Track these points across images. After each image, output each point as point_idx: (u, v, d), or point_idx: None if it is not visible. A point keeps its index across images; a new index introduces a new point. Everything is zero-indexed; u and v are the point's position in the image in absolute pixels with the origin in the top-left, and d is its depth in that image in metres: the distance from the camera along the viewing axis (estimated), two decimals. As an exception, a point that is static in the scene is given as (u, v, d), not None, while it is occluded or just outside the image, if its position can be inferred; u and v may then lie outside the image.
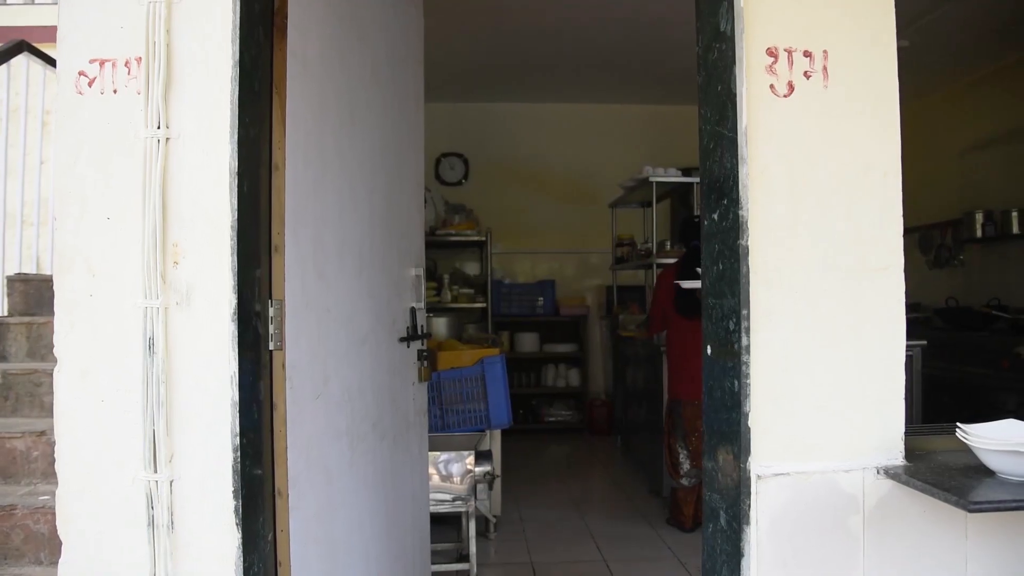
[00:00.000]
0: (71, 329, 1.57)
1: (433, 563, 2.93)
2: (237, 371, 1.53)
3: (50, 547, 2.31)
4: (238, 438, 1.53)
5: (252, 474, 1.58)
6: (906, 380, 4.05)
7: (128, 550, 1.55)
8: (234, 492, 1.53)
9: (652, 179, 4.64)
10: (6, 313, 3.26)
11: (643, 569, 3.39)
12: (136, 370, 1.54)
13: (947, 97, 6.21)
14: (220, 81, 1.55)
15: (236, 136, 1.53)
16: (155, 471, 1.54)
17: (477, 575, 3.18)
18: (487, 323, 5.78)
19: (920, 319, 5.84)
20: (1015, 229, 5.22)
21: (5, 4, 4.72)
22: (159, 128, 1.54)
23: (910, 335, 4.23)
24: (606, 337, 6.26)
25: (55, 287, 1.57)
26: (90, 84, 1.57)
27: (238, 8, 1.56)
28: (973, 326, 5.08)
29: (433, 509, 2.98)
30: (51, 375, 2.79)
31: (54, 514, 2.29)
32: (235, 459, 1.53)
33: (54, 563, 2.28)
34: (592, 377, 6.48)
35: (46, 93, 3.63)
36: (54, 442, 2.53)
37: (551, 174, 6.28)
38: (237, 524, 1.53)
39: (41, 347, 3.04)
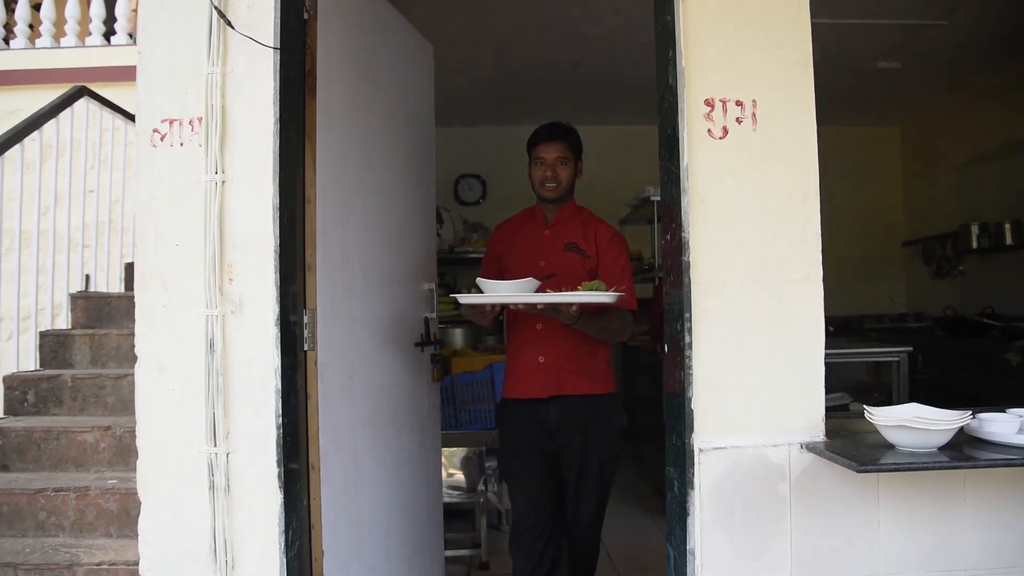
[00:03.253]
0: (149, 333, 1.99)
1: (447, 549, 3.32)
2: (280, 366, 1.95)
3: (118, 522, 2.74)
4: (280, 419, 1.95)
5: (292, 449, 1.99)
6: (894, 383, 4.33)
7: (193, 508, 1.96)
8: (278, 462, 1.94)
9: (652, 199, 5.02)
10: (70, 327, 3.72)
11: (637, 552, 3.75)
12: (199, 365, 1.96)
13: (944, 113, 6.52)
14: (264, 135, 1.98)
15: (278, 178, 1.96)
16: (215, 445, 1.95)
17: (486, 560, 3.56)
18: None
19: (922, 328, 6.14)
20: (1008, 240, 5.52)
21: (59, 47, 5.23)
22: (216, 173, 1.97)
23: (909, 343, 4.54)
24: (616, 347, 6.62)
25: (136, 300, 2.00)
26: (162, 139, 2.00)
27: (278, 76, 1.99)
28: (968, 334, 5.37)
29: (447, 500, 3.37)
30: (113, 379, 3.26)
31: (122, 494, 2.75)
32: (279, 436, 1.95)
33: (123, 535, 2.73)
34: (624, 384, 6.83)
35: (94, 129, 4.07)
36: (118, 435, 2.99)
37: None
38: (280, 488, 1.95)
39: (102, 355, 3.49)
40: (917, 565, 1.98)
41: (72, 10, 5.24)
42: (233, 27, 1.98)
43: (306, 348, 2.09)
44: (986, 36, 4.82)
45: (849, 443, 1.94)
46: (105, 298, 3.80)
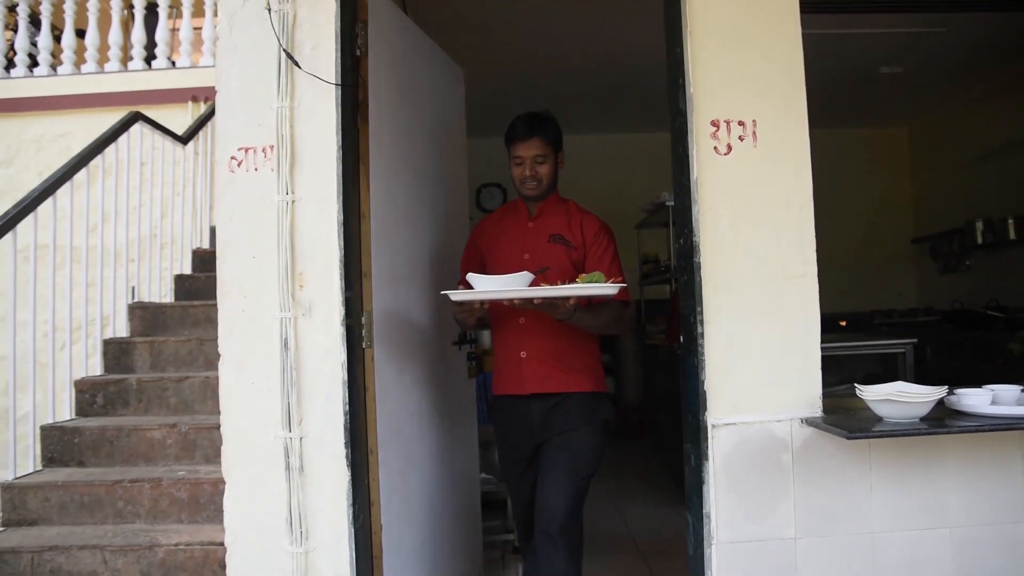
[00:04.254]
0: (230, 335, 2.32)
1: (484, 535, 3.63)
2: (345, 360, 2.27)
3: (189, 509, 3.08)
4: (347, 406, 2.27)
5: (355, 434, 2.31)
6: (901, 373, 4.62)
7: (272, 486, 2.28)
8: (345, 444, 2.26)
9: (668, 204, 5.33)
10: (129, 335, 4.07)
11: (659, 535, 4.06)
12: (275, 361, 2.29)
13: (949, 114, 6.80)
14: (328, 160, 2.31)
15: (341, 198, 2.29)
16: (290, 431, 2.28)
17: (519, 545, 3.87)
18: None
19: (930, 322, 6.41)
20: (1012, 235, 5.78)
21: (103, 72, 5.61)
22: (287, 194, 2.30)
23: (918, 336, 4.84)
24: (636, 347, 6.93)
25: (219, 306, 2.33)
26: (239, 165, 2.34)
27: (338, 108, 2.32)
28: (974, 327, 5.64)
29: (482, 489, 3.68)
30: (174, 382, 3.61)
31: (191, 484, 3.08)
32: (345, 421, 2.27)
33: (193, 521, 3.06)
34: (625, 384, 7.15)
35: (137, 149, 4.38)
36: (184, 431, 3.34)
37: (582, 199, 6.96)
38: (347, 467, 2.27)
39: (162, 360, 3.84)
40: (906, 523, 2.27)
41: (115, 37, 5.61)
42: (300, 67, 2.31)
43: (364, 346, 2.41)
44: (982, 42, 5.10)
45: (843, 417, 2.24)
46: (160, 308, 4.16)
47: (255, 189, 2.33)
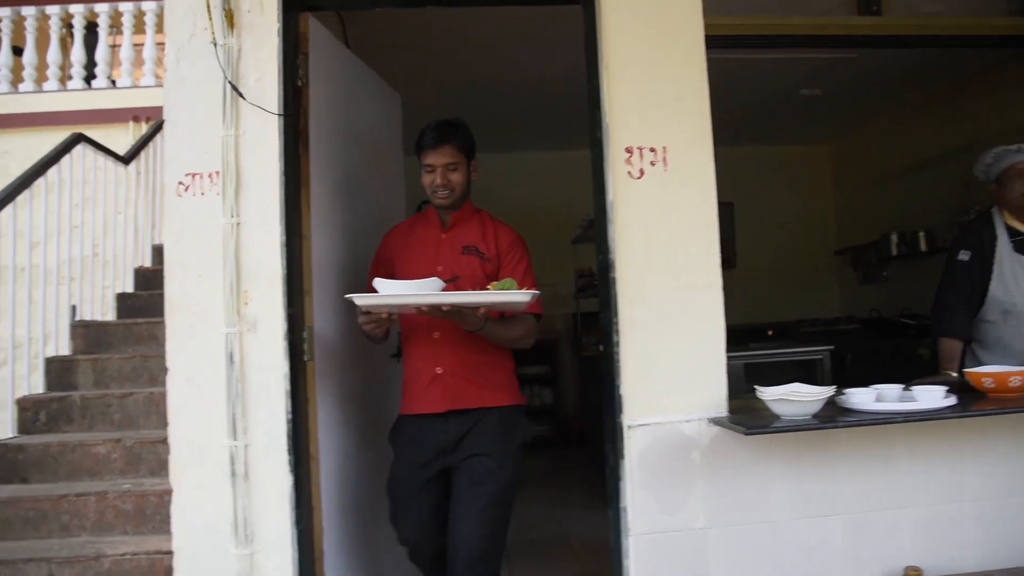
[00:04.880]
0: (178, 349, 2.47)
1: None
2: (288, 373, 2.45)
3: (134, 521, 3.18)
4: (290, 416, 2.44)
5: (298, 441, 2.48)
6: (819, 378, 4.95)
7: (218, 491, 2.44)
8: (288, 451, 2.43)
9: (600, 220, 5.60)
10: (71, 353, 4.15)
11: (596, 540, 4.27)
12: (221, 374, 2.44)
13: (867, 133, 7.23)
14: (271, 184, 2.49)
15: (283, 220, 2.47)
16: (235, 439, 2.43)
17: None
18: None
19: (851, 329, 6.81)
20: (923, 247, 6.20)
21: (42, 92, 5.66)
22: (232, 217, 2.47)
23: (839, 343, 5.18)
24: (574, 359, 7.19)
25: (167, 322, 2.48)
26: (186, 189, 2.50)
27: (281, 137, 2.50)
28: (889, 334, 6.04)
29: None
30: (118, 398, 3.71)
31: (136, 496, 3.20)
32: (288, 430, 2.44)
33: (139, 532, 3.17)
34: (564, 395, 7.40)
35: (79, 168, 4.42)
36: (128, 446, 3.44)
37: (521, 216, 7.12)
38: (290, 472, 2.44)
39: (105, 377, 3.93)
40: (804, 511, 2.53)
41: (54, 55, 5.66)
42: (244, 98, 2.49)
43: (306, 359, 2.59)
44: (893, 69, 5.48)
45: (745, 416, 2.48)
46: (103, 326, 4.24)
47: (202, 212, 2.49)
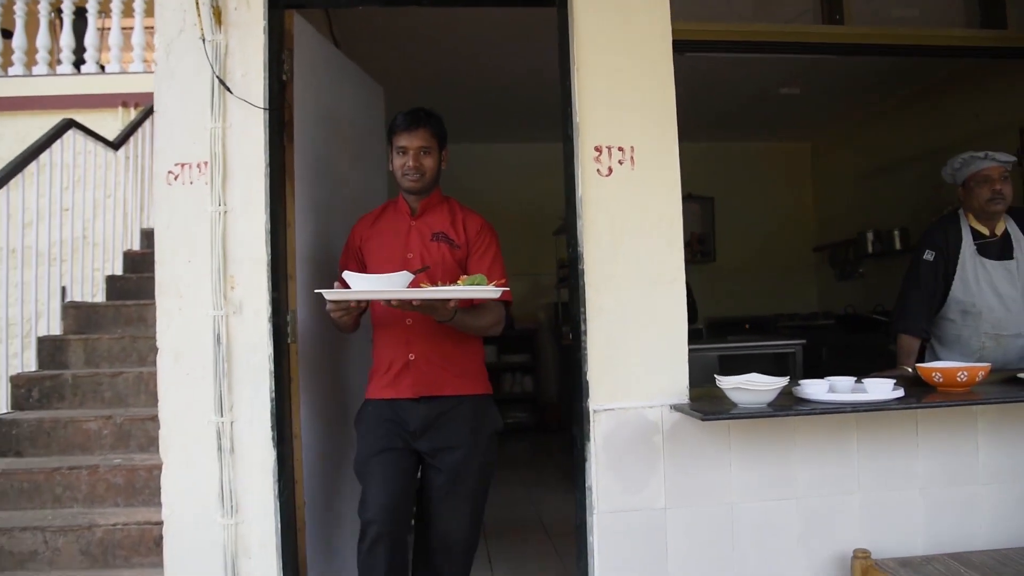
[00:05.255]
0: (168, 329, 2.60)
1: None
2: (272, 353, 2.58)
3: (125, 493, 3.33)
4: (273, 394, 2.58)
5: (281, 418, 2.62)
6: (791, 371, 5.11)
7: (205, 465, 2.57)
8: (272, 427, 2.57)
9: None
10: (63, 333, 4.27)
11: (565, 520, 4.42)
12: (209, 354, 2.58)
13: (845, 132, 7.40)
14: (257, 174, 2.61)
15: (268, 208, 2.60)
16: (221, 416, 2.57)
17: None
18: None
19: (827, 325, 6.99)
20: (897, 245, 6.38)
21: (31, 76, 5.74)
22: (220, 205, 2.60)
23: (814, 338, 5.35)
24: (554, 347, 7.35)
25: (157, 304, 2.61)
26: (176, 179, 2.62)
27: (267, 130, 2.63)
28: (862, 329, 6.21)
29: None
30: (109, 377, 3.84)
31: (127, 470, 3.33)
32: (272, 408, 2.58)
33: (129, 504, 3.31)
34: (544, 382, 7.57)
35: (69, 152, 4.55)
36: (119, 423, 3.58)
37: (503, 206, 7.27)
38: (274, 447, 2.58)
39: (96, 357, 4.06)
40: (760, 494, 2.69)
41: (43, 40, 5.75)
42: (232, 92, 2.61)
43: (289, 341, 2.72)
44: (866, 71, 5.64)
45: (706, 404, 2.63)
46: (93, 307, 4.37)
47: (190, 200, 2.61)
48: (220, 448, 2.57)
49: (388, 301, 2.30)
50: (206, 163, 2.61)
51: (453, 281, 2.42)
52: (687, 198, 7.50)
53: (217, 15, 2.62)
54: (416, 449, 2.57)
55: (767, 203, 7.81)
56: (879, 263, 6.77)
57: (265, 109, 2.63)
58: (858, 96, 6.39)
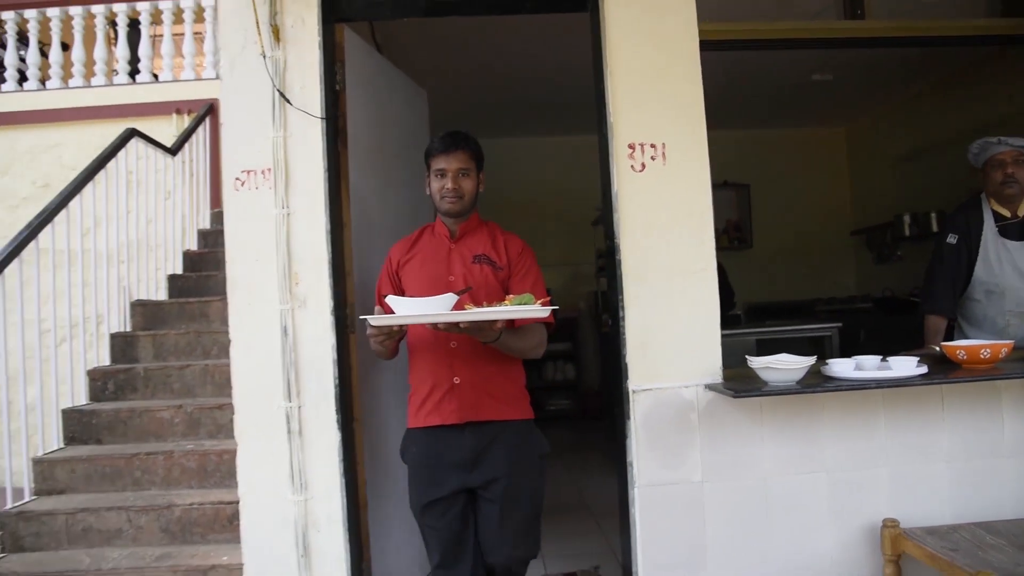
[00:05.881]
0: (240, 324, 2.86)
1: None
2: (335, 343, 2.83)
3: (198, 476, 3.61)
4: (337, 381, 2.83)
5: (344, 403, 2.87)
6: (828, 353, 5.25)
7: (276, 445, 2.83)
8: (336, 411, 2.82)
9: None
10: (131, 329, 4.58)
11: (607, 503, 4.64)
12: (277, 345, 2.83)
13: (881, 116, 7.47)
14: (316, 179, 2.86)
15: (328, 210, 2.84)
16: (290, 401, 2.83)
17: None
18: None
19: (865, 308, 7.09)
20: (934, 228, 6.45)
21: (91, 86, 6.08)
22: (283, 208, 2.84)
23: (852, 321, 5.50)
24: (595, 335, 7.55)
25: (228, 300, 2.87)
26: (242, 184, 2.88)
27: (324, 137, 2.87)
28: (899, 311, 6.31)
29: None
30: (177, 369, 4.13)
31: (199, 455, 3.61)
32: (336, 393, 2.83)
33: (202, 486, 3.60)
34: (585, 370, 7.77)
35: (133, 157, 4.85)
36: (189, 411, 3.86)
37: (543, 198, 7.55)
38: (338, 430, 2.83)
39: (163, 351, 4.36)
40: (791, 468, 2.87)
41: (100, 52, 6.08)
42: (291, 103, 2.86)
43: (349, 332, 2.97)
44: (898, 55, 5.71)
45: (738, 383, 2.82)
46: (159, 305, 4.68)
47: (256, 204, 2.87)
48: (289, 431, 2.83)
49: (435, 324, 2.28)
50: (269, 170, 2.86)
51: (497, 302, 2.39)
52: (722, 186, 7.66)
53: (276, 32, 2.86)
54: (467, 486, 2.52)
55: (803, 189, 7.91)
56: (916, 246, 6.84)
57: (322, 118, 2.87)
58: (891, 81, 6.46)
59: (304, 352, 2.85)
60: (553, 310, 2.33)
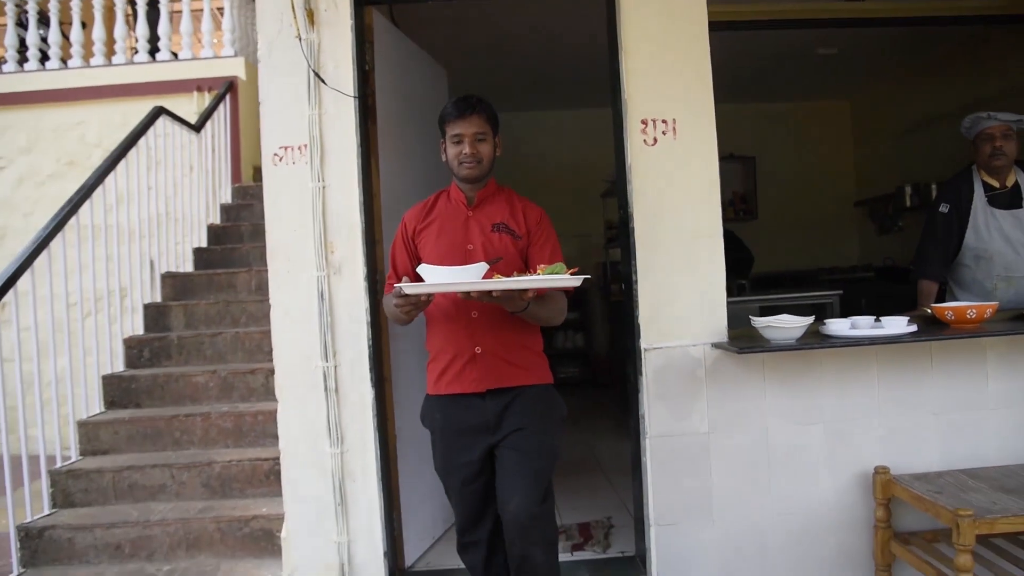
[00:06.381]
0: (279, 289, 3.12)
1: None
2: (368, 307, 3.09)
3: (233, 436, 3.88)
4: (369, 341, 3.09)
5: (376, 363, 3.13)
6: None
7: (314, 403, 3.10)
8: (369, 369, 3.09)
9: (627, 175, 6.17)
10: (162, 300, 4.85)
11: (618, 462, 4.93)
12: (314, 308, 3.09)
13: (884, 90, 7.65)
14: (349, 154, 3.10)
15: (360, 182, 3.09)
16: (327, 361, 3.09)
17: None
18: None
19: (867, 277, 7.33)
20: (933, 199, 6.67)
21: (112, 64, 6.29)
22: (319, 181, 3.09)
23: (853, 289, 5.75)
24: (603, 304, 7.81)
25: (269, 267, 3.12)
26: (280, 160, 3.12)
27: (356, 114, 3.11)
28: (899, 280, 6.55)
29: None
30: (209, 337, 4.39)
31: (235, 416, 3.88)
32: (369, 353, 3.09)
33: (238, 446, 3.87)
34: (594, 338, 8.05)
35: (161, 135, 5.10)
36: (223, 376, 4.13)
37: (553, 171, 7.76)
38: (372, 387, 3.09)
39: (195, 320, 4.63)
40: (791, 419, 3.13)
41: (120, 30, 6.29)
42: (325, 83, 3.09)
43: (379, 297, 3.22)
44: (900, 31, 5.90)
45: (742, 342, 3.07)
46: (188, 276, 4.94)
47: (293, 178, 3.11)
48: (326, 388, 3.09)
49: (467, 293, 2.27)
50: (305, 145, 3.10)
51: (517, 272, 2.46)
52: (729, 158, 7.88)
53: (310, 16, 3.09)
54: (489, 446, 2.54)
55: (808, 161, 8.12)
56: (917, 216, 7.05)
57: (354, 97, 3.10)
58: (894, 56, 6.64)
59: (340, 315, 3.10)
60: (585, 278, 2.34)
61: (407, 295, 2.33)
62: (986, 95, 5.62)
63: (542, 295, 2.47)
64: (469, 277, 2.24)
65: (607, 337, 7.89)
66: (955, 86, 6.41)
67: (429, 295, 2.39)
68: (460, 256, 2.51)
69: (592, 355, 8.01)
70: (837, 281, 7.28)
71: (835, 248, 8.14)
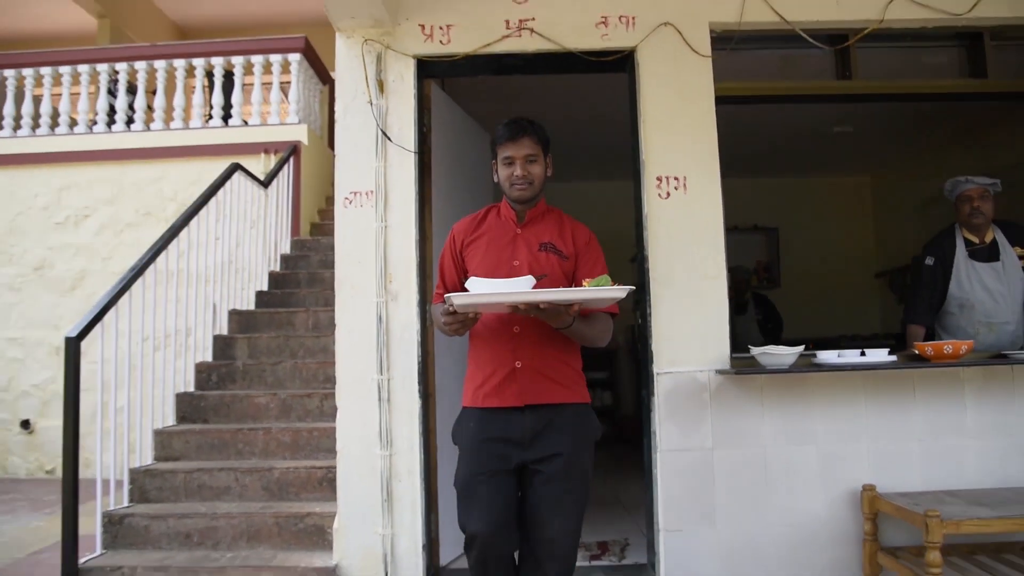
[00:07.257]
0: (344, 311, 3.71)
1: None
2: (420, 330, 3.67)
3: (291, 449, 4.43)
4: (419, 359, 3.66)
5: (423, 379, 3.69)
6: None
7: (370, 412, 3.65)
8: (418, 382, 3.64)
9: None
10: (229, 333, 5.48)
11: (633, 494, 5.36)
12: (372, 329, 3.67)
13: (901, 165, 8.19)
14: (408, 200, 3.73)
15: (416, 225, 3.70)
16: (381, 374, 3.65)
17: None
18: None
19: (888, 344, 7.72)
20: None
21: (189, 128, 7.10)
22: (382, 222, 3.71)
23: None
24: (631, 366, 8.30)
25: (336, 293, 3.72)
26: (350, 203, 3.75)
27: (415, 167, 3.75)
28: (915, 345, 6.97)
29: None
30: (270, 365, 5.00)
31: (292, 431, 4.43)
32: (419, 370, 3.65)
33: (295, 457, 4.41)
34: (622, 397, 8.51)
35: (237, 190, 5.82)
36: (282, 398, 4.70)
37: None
38: (419, 399, 3.64)
39: (257, 351, 5.23)
40: (787, 441, 3.61)
41: (198, 99, 7.14)
42: (391, 140, 3.75)
43: (429, 323, 3.80)
44: (909, 109, 6.49)
45: (744, 369, 3.58)
46: (251, 313, 5.59)
47: (360, 219, 3.74)
48: (380, 399, 3.65)
49: (515, 306, 2.30)
50: (371, 192, 3.74)
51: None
52: (753, 229, 8.40)
53: (381, 86, 3.77)
54: (520, 463, 2.56)
55: (829, 233, 8.64)
56: (933, 286, 7.51)
57: (414, 153, 3.75)
58: (908, 133, 7.22)
59: (395, 336, 3.68)
60: (630, 289, 2.38)
61: (454, 312, 2.40)
62: (1000, 167, 6.11)
63: (586, 315, 2.54)
64: (517, 289, 2.31)
65: (634, 396, 8.35)
66: (971, 160, 6.92)
67: (477, 313, 2.45)
68: (505, 271, 2.56)
69: (619, 414, 8.47)
70: (857, 347, 7.68)
71: (856, 316, 8.56)
